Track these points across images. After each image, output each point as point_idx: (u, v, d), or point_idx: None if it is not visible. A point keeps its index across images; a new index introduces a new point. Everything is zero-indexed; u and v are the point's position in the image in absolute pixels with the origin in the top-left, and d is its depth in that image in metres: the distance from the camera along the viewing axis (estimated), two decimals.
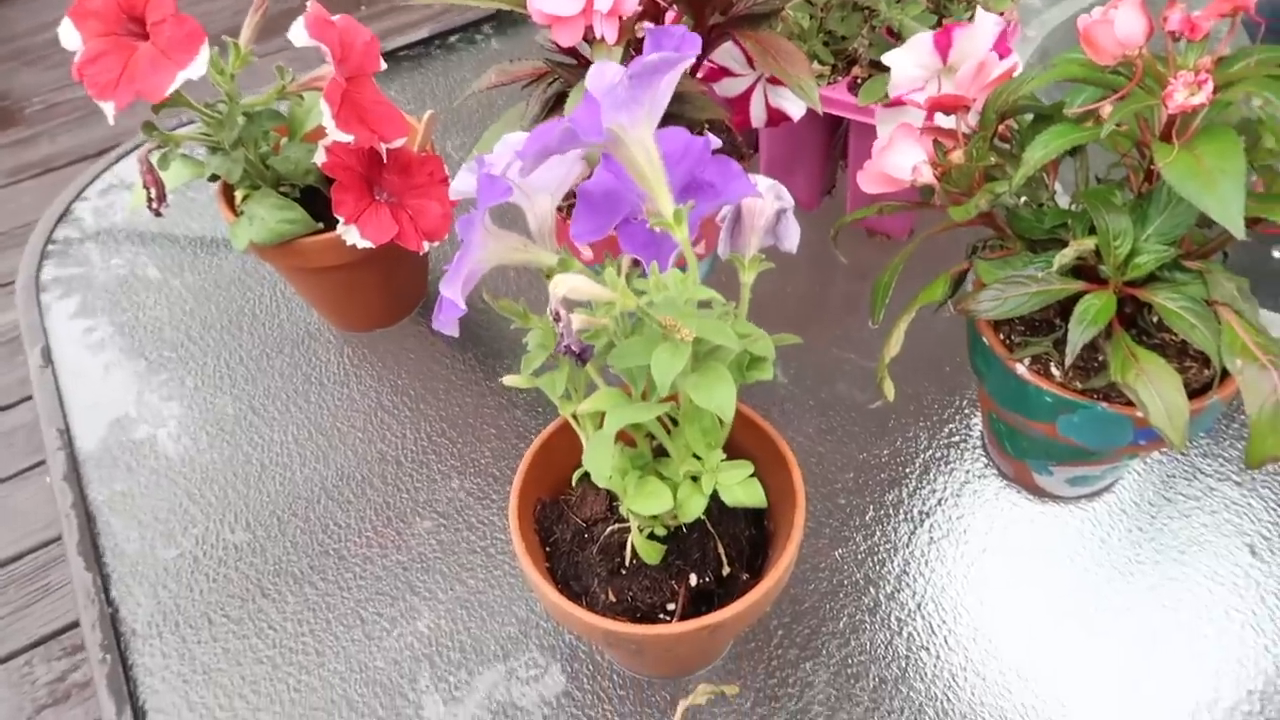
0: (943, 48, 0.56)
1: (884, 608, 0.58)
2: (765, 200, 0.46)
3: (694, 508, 0.44)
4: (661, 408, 0.41)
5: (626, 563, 0.49)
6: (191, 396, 0.74)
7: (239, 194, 0.66)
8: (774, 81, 0.65)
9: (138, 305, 0.81)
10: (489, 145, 0.59)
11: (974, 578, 0.59)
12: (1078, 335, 0.46)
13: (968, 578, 0.59)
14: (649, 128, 0.38)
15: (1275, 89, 0.41)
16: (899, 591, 0.59)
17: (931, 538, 0.61)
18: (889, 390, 0.52)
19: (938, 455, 0.65)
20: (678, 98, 0.60)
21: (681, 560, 0.49)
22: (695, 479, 0.45)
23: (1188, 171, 0.40)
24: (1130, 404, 0.49)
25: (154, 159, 0.58)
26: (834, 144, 0.77)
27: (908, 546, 0.61)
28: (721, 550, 0.49)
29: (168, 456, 0.70)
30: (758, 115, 0.67)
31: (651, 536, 0.48)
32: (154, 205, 0.59)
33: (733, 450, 0.53)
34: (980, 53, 0.53)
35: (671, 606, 0.49)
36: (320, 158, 0.62)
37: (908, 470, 0.65)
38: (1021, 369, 0.52)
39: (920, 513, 0.62)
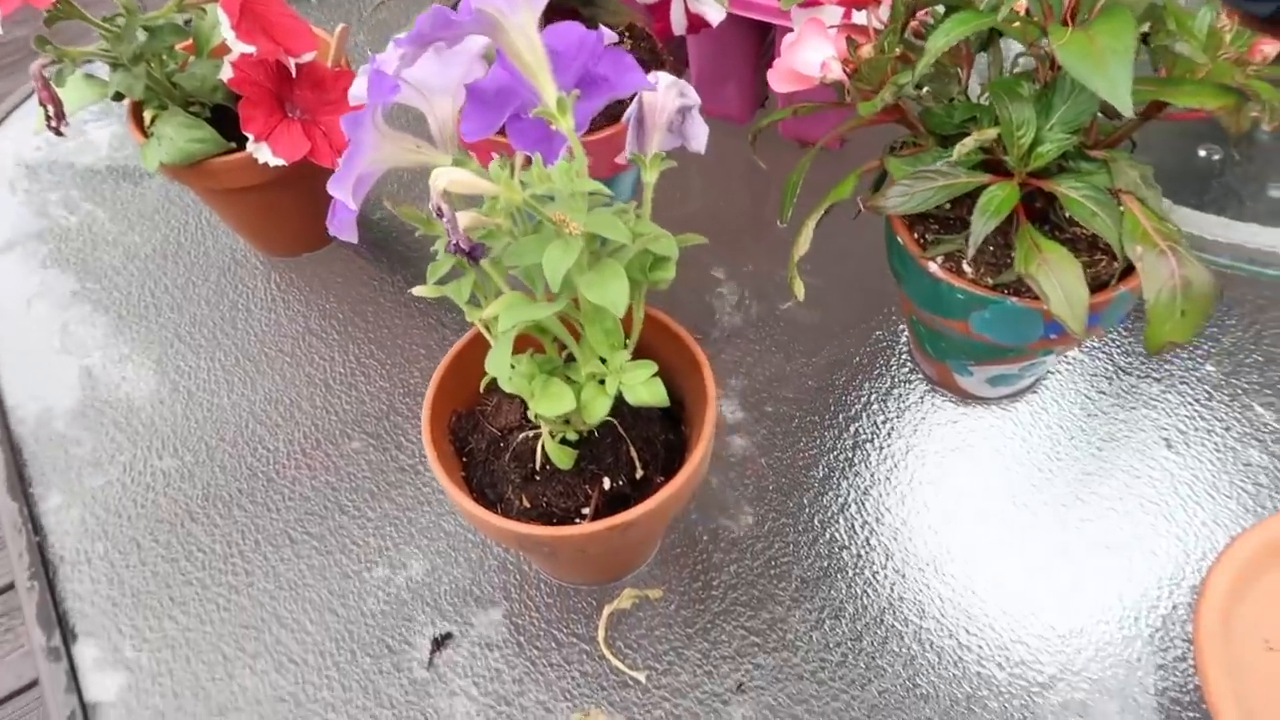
0: None
1: (807, 511, 0.59)
2: (666, 97, 0.45)
3: (598, 409, 0.44)
4: (554, 306, 0.41)
5: (539, 468, 0.49)
6: (117, 327, 0.73)
7: (148, 115, 0.64)
8: None
9: (60, 238, 0.79)
10: None
11: (896, 479, 0.60)
12: (980, 226, 0.46)
13: (890, 480, 0.60)
14: (530, 14, 0.37)
15: None
16: (822, 495, 0.59)
17: (856, 442, 0.62)
18: (799, 290, 0.51)
19: (864, 362, 0.66)
20: (588, 2, 0.58)
21: (595, 465, 0.49)
22: (601, 381, 0.45)
23: (1081, 52, 0.40)
24: (1038, 298, 0.49)
25: (49, 75, 0.56)
26: (762, 53, 0.76)
27: (832, 451, 0.61)
28: (634, 453, 0.49)
29: (94, 387, 0.69)
30: (678, 22, 0.66)
31: (564, 442, 0.49)
32: (53, 124, 0.57)
33: (648, 355, 0.52)
34: None
35: (586, 511, 0.49)
36: (226, 73, 0.60)
37: (834, 378, 0.65)
38: (934, 267, 0.52)
39: (845, 418, 0.63)
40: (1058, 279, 0.45)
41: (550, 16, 0.60)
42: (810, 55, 0.51)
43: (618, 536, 0.46)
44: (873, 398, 0.64)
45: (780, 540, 0.58)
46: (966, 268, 0.52)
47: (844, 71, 0.51)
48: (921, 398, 0.64)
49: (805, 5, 0.58)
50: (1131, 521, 0.57)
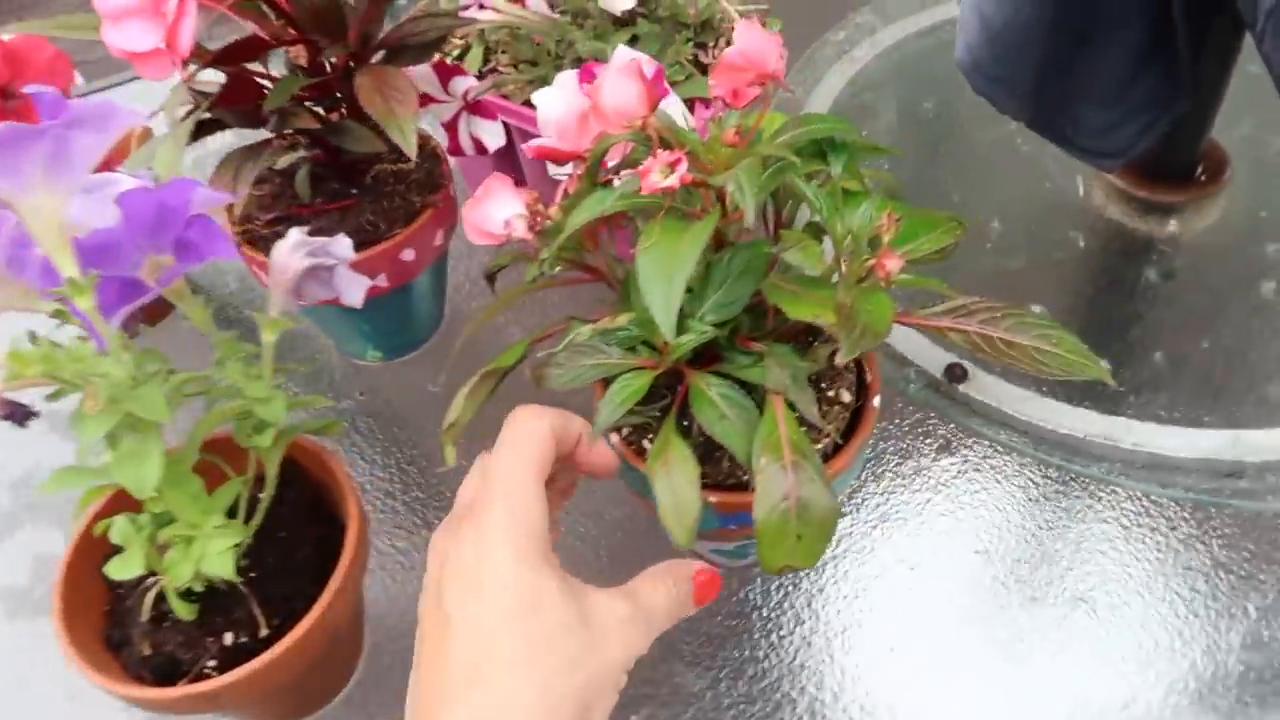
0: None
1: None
2: (291, 258, 0.44)
3: (182, 573, 0.43)
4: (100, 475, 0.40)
5: (156, 613, 0.48)
6: None
7: None
8: (473, 111, 0.63)
9: None
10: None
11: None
12: (605, 415, 0.43)
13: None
14: (49, 195, 0.36)
15: (753, 174, 0.37)
16: None
17: None
18: (450, 456, 0.49)
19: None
20: (336, 130, 0.58)
21: (222, 617, 0.48)
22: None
23: (659, 259, 0.37)
24: (706, 486, 0.46)
25: None
26: None
27: None
28: (258, 612, 0.47)
29: None
30: (466, 143, 0.65)
31: (190, 592, 0.47)
32: None
33: (318, 499, 0.51)
34: (620, 95, 0.50)
35: (213, 663, 0.48)
36: None
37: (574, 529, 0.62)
38: (615, 439, 0.49)
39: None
40: (672, 483, 0.42)
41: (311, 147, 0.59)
42: (495, 211, 0.49)
43: (205, 703, 0.44)
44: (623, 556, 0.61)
45: None
46: (646, 444, 0.49)
47: (530, 231, 0.49)
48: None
49: (538, 155, 0.56)
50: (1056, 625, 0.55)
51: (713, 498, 0.46)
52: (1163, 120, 0.64)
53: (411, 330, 0.70)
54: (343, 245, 0.46)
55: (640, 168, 0.38)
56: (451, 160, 0.71)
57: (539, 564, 0.36)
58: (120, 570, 0.42)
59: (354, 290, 0.46)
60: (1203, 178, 0.72)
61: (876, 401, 0.49)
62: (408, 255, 0.61)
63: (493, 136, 0.63)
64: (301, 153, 0.61)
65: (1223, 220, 0.71)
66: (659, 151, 0.38)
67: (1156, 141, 0.66)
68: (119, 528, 0.44)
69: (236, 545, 0.43)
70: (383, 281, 0.62)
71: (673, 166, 0.37)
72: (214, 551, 0.42)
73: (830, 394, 0.50)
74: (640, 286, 0.37)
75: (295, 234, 0.44)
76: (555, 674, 0.34)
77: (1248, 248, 0.69)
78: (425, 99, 0.64)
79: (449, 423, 0.48)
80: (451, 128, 0.65)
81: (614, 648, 0.36)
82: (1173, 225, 0.71)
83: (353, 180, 0.62)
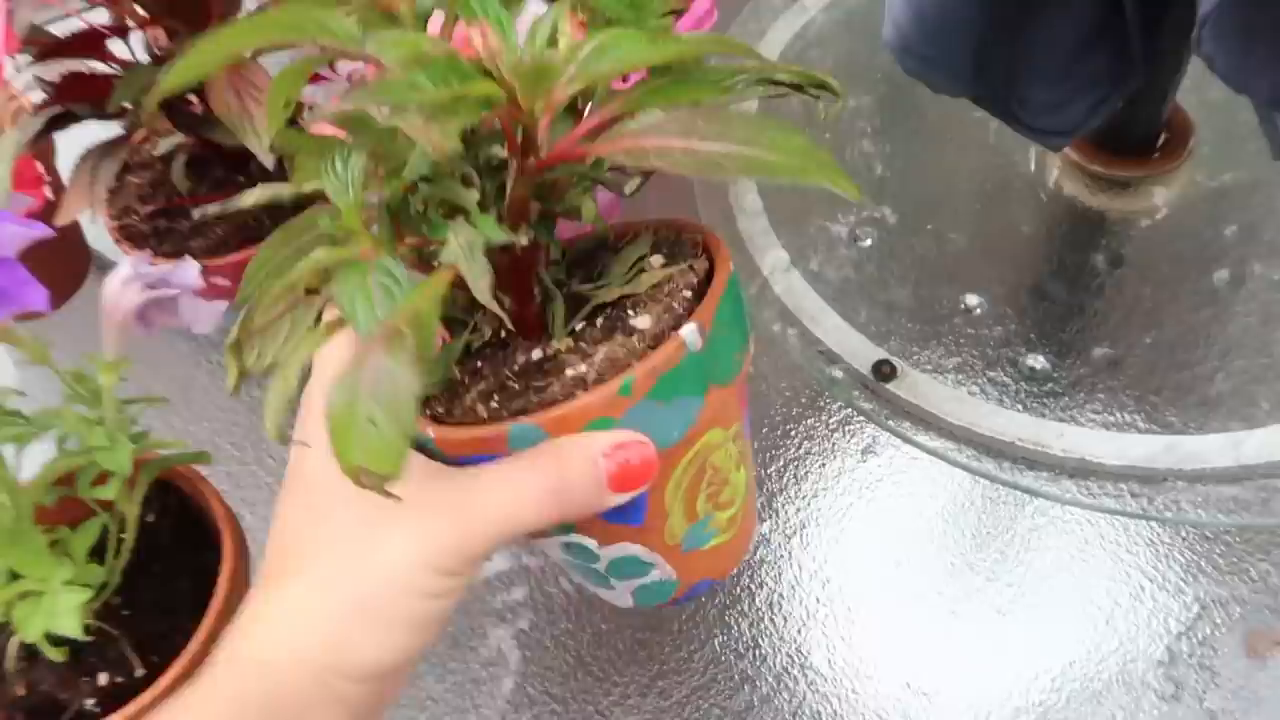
0: None
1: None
2: (122, 295, 0.41)
3: (33, 627, 0.41)
4: None
5: (28, 651, 0.46)
6: None
7: None
8: None
9: None
10: None
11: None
12: None
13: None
14: None
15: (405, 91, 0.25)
16: None
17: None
18: (232, 377, 0.38)
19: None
20: (201, 123, 0.53)
21: (96, 656, 0.46)
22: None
23: None
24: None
25: None
26: None
27: None
28: (130, 652, 0.46)
29: None
30: None
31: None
32: None
33: (203, 523, 0.49)
34: None
35: (90, 703, 0.46)
36: None
37: None
38: (432, 430, 0.33)
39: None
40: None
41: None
42: None
43: None
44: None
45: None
46: (479, 408, 0.33)
47: None
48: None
49: None
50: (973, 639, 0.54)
51: (432, 431, 0.33)
52: (1115, 96, 0.59)
53: None
54: (187, 272, 0.42)
55: None
56: None
57: None
58: None
59: (203, 319, 0.43)
60: (1157, 154, 0.67)
61: (686, 331, 0.32)
62: None
63: None
64: (180, 138, 0.57)
65: (1182, 198, 0.67)
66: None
67: (1113, 115, 0.61)
68: None
69: (90, 598, 0.41)
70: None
71: None
72: (62, 609, 0.40)
73: (628, 318, 0.33)
74: None
75: (127, 265, 0.41)
76: (338, 573, 0.30)
77: (1204, 230, 0.65)
78: (313, 76, 0.59)
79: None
80: None
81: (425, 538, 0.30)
82: (1127, 203, 0.67)
83: (239, 168, 0.58)
